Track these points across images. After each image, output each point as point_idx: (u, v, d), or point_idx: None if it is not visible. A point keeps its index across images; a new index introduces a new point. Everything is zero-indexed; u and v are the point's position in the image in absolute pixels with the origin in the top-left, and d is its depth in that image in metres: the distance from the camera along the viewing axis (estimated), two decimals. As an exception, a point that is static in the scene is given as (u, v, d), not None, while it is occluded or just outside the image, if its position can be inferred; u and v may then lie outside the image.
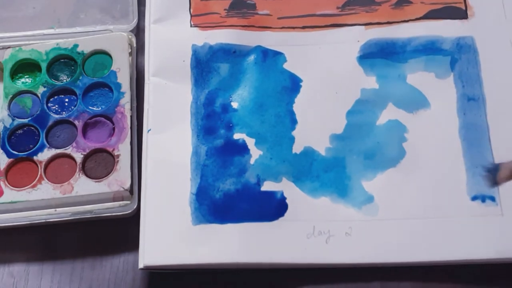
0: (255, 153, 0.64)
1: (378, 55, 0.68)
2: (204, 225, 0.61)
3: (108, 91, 0.68)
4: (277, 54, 0.69)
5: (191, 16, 0.71)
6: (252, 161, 0.64)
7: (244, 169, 0.63)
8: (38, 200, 0.63)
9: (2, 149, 0.65)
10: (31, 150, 0.65)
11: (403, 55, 0.68)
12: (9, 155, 0.65)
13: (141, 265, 0.59)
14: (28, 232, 0.63)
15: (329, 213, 0.61)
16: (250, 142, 0.64)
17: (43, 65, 0.69)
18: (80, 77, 0.69)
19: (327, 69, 0.68)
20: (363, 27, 0.70)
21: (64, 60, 0.70)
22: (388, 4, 0.71)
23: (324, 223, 0.61)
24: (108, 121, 0.67)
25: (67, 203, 0.63)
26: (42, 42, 0.70)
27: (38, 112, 0.67)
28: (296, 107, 0.66)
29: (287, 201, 0.62)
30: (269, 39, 0.69)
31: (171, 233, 0.61)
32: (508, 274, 0.60)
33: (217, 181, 0.63)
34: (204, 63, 0.68)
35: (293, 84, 0.67)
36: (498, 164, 0.59)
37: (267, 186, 0.63)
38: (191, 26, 0.70)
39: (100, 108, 0.67)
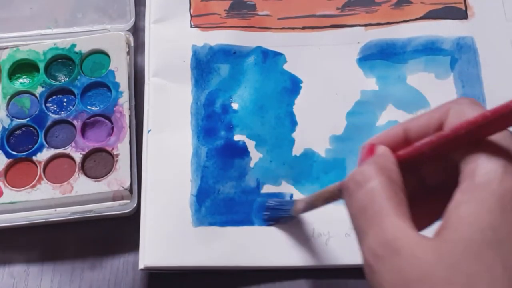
0: (255, 156, 0.64)
1: (378, 56, 0.68)
2: (205, 227, 0.61)
3: (107, 90, 0.68)
4: (277, 55, 0.68)
5: (191, 16, 0.71)
6: (252, 164, 0.64)
7: (244, 172, 0.63)
8: (38, 200, 0.63)
9: (1, 149, 0.65)
10: (30, 151, 0.65)
11: (403, 55, 0.68)
12: (8, 155, 0.65)
13: (141, 266, 0.59)
14: (28, 232, 0.63)
15: (329, 215, 0.60)
16: (251, 145, 0.64)
17: (41, 65, 0.69)
18: (78, 77, 0.68)
19: (327, 70, 0.68)
20: (363, 28, 0.70)
21: (62, 60, 0.70)
22: (388, 5, 0.71)
23: (323, 224, 0.61)
24: (106, 121, 0.66)
25: (67, 203, 0.63)
26: (39, 42, 0.70)
27: (37, 112, 0.67)
28: (296, 109, 0.66)
29: (286, 203, 0.62)
30: (269, 40, 0.69)
31: (171, 234, 0.60)
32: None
33: (218, 183, 0.63)
34: (204, 64, 0.68)
35: (293, 85, 0.67)
36: (293, 200, 0.60)
37: (267, 189, 0.63)
38: (191, 26, 0.70)
39: (98, 108, 0.67)
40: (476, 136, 0.37)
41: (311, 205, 0.55)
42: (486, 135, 0.37)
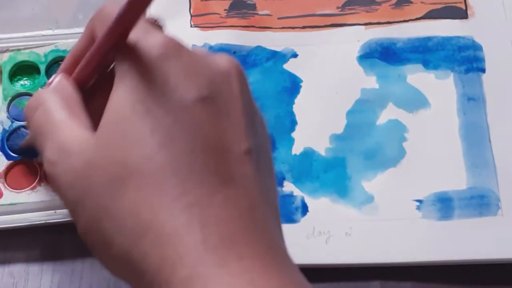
0: (255, 155, 0.64)
1: (377, 56, 0.68)
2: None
3: (107, 91, 0.68)
4: (277, 54, 0.69)
5: (191, 16, 0.71)
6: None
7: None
8: (38, 202, 0.62)
9: (1, 151, 0.65)
10: (31, 152, 0.65)
11: (403, 55, 0.68)
12: (8, 157, 0.65)
13: (141, 266, 0.59)
14: (27, 233, 0.63)
15: (329, 214, 0.61)
16: (250, 144, 0.64)
17: (42, 67, 0.69)
18: (79, 78, 0.68)
19: (327, 69, 0.68)
20: (363, 27, 0.70)
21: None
22: (388, 4, 0.71)
23: (324, 223, 0.61)
24: (107, 122, 0.66)
25: (67, 205, 0.63)
26: (40, 43, 0.70)
27: (37, 113, 0.67)
28: (296, 108, 0.66)
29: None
30: (269, 39, 0.69)
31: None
32: (508, 274, 0.60)
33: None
34: (204, 64, 0.68)
35: (293, 85, 0.67)
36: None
37: (267, 187, 0.62)
38: (191, 26, 0.70)
39: (99, 109, 0.67)
40: (118, 40, 0.40)
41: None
42: (126, 34, 0.39)
